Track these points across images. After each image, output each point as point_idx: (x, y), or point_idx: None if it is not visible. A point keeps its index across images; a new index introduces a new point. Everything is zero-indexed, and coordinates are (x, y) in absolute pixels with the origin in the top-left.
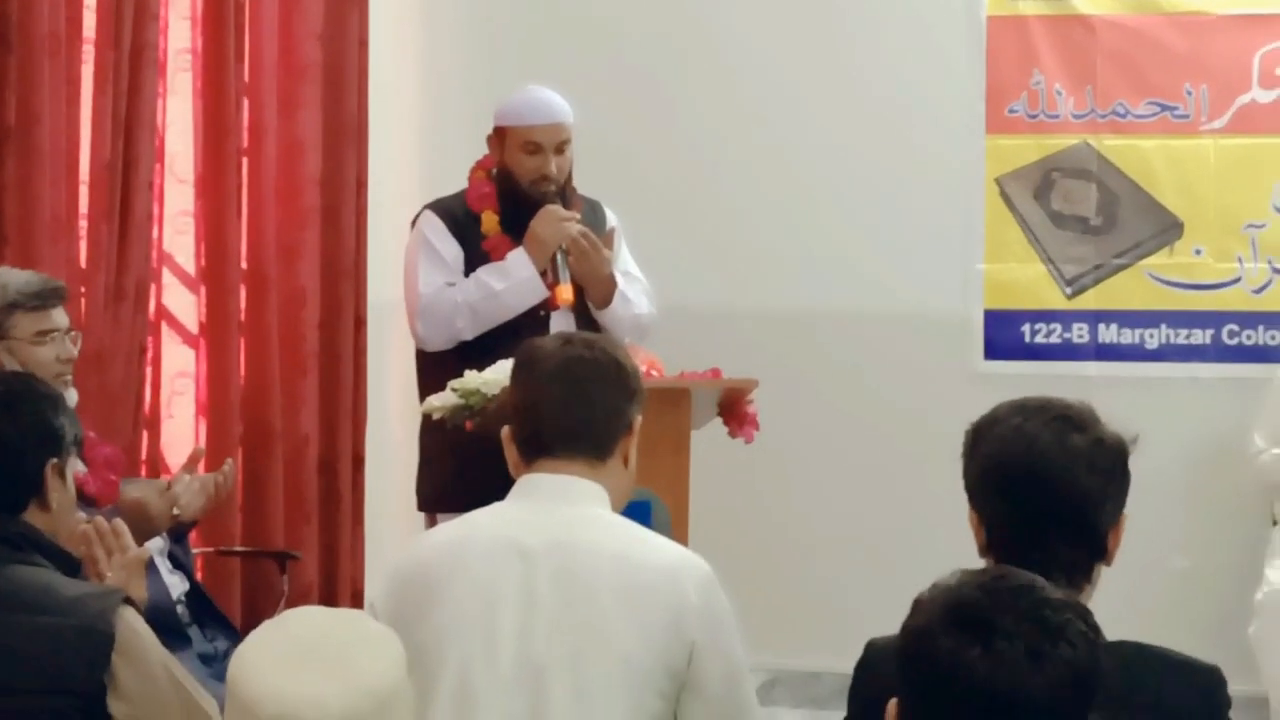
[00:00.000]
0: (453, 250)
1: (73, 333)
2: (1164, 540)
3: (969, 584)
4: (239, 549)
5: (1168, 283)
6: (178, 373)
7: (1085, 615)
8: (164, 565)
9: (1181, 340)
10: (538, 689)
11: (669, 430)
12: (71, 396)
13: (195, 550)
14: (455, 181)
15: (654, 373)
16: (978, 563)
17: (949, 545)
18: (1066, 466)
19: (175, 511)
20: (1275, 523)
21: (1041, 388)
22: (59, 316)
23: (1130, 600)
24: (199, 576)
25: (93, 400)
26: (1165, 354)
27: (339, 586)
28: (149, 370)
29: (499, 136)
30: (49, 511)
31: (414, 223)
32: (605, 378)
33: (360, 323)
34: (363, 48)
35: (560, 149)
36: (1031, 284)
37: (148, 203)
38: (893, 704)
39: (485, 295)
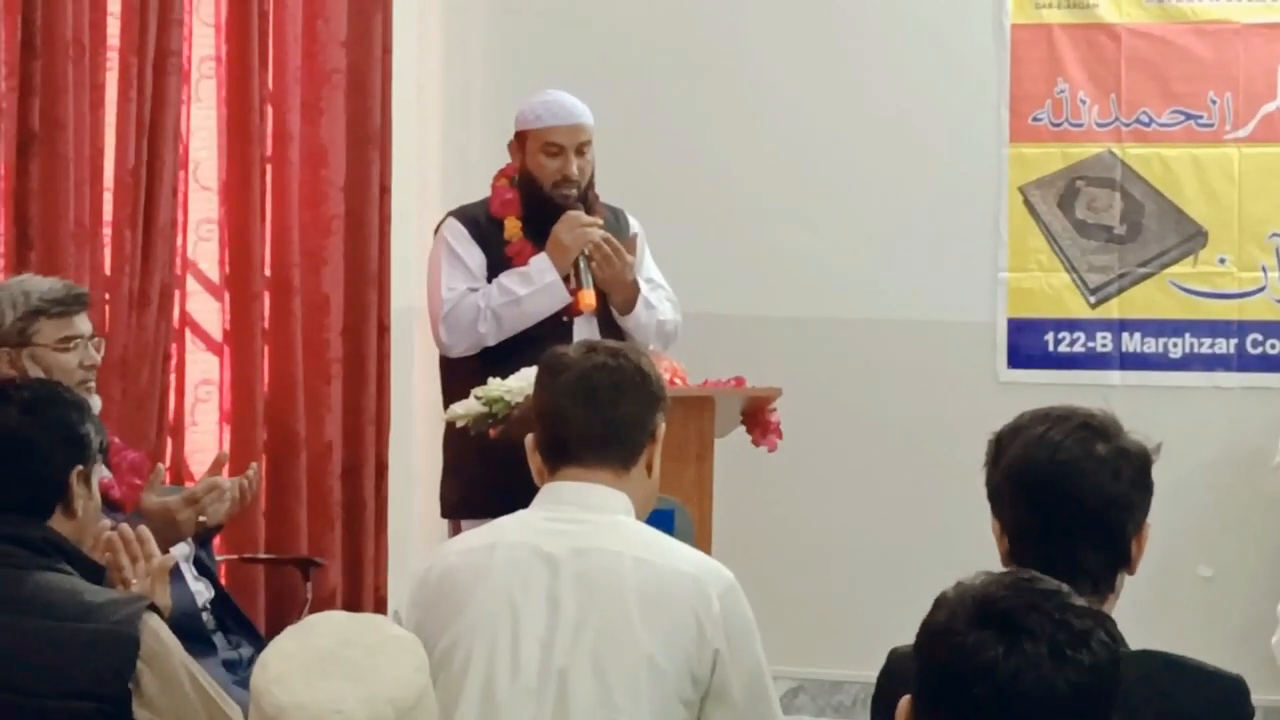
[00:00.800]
0: (476, 256)
1: (96, 339)
2: (1188, 549)
3: (996, 583)
4: (263, 555)
5: (1191, 292)
6: (201, 379)
7: (1108, 624)
8: (189, 572)
9: (1205, 349)
10: (561, 695)
11: (692, 438)
12: (95, 403)
13: (219, 557)
14: (478, 188)
15: (677, 381)
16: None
17: (972, 553)
18: (1090, 475)
19: (201, 518)
20: None
21: (1065, 396)
22: (82, 323)
23: (1154, 609)
24: (223, 583)
25: (116, 407)
26: (1189, 363)
27: (362, 593)
28: (173, 377)
29: (519, 141)
30: (74, 518)
31: (437, 230)
32: (629, 386)
33: (384, 329)
34: (386, 54)
35: (581, 150)
36: (1055, 293)
37: (172, 209)
38: (904, 701)
39: (508, 300)
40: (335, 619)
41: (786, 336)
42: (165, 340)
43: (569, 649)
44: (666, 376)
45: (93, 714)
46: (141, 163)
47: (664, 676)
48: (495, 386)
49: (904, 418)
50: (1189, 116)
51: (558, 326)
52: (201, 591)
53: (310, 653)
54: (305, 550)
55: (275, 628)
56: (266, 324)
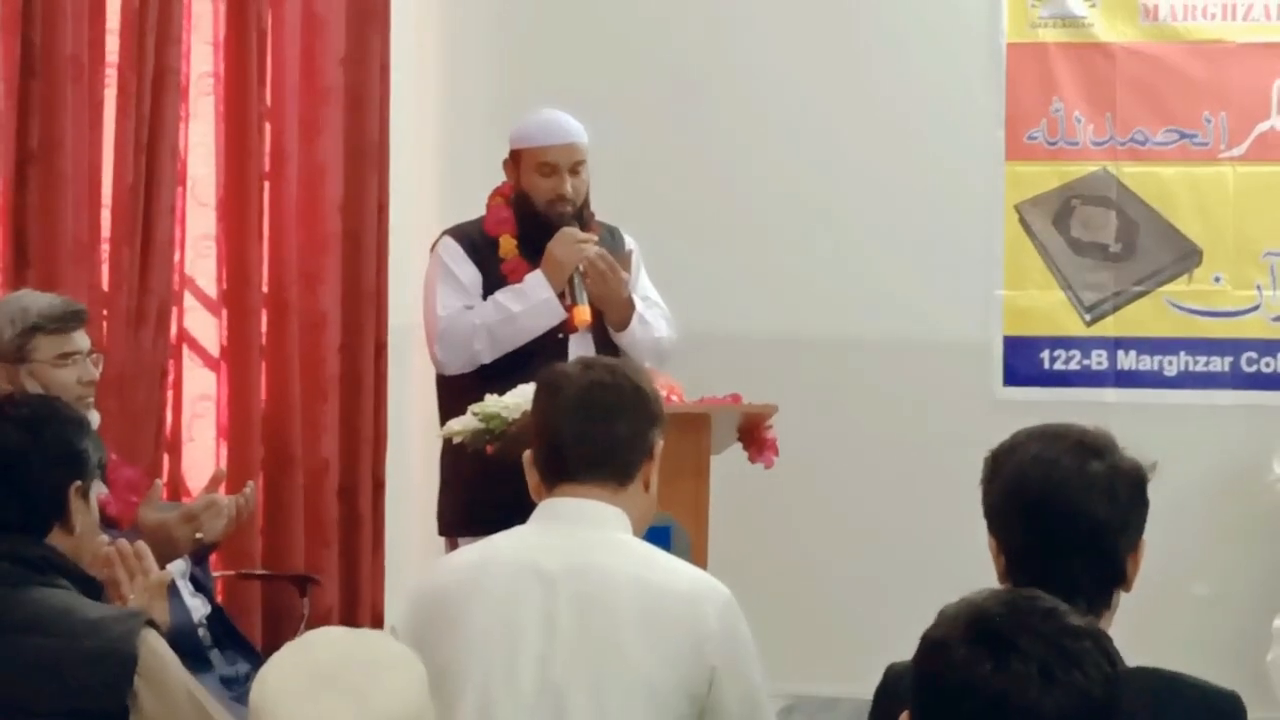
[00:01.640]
0: (471, 274)
1: (94, 355)
2: (1183, 567)
3: (994, 600)
4: (260, 572)
5: (1187, 310)
6: (199, 396)
7: (1105, 645)
8: (186, 588)
9: (1200, 367)
10: (558, 712)
11: (689, 455)
12: (94, 419)
13: (216, 573)
14: (477, 206)
15: (674, 398)
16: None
17: (968, 571)
18: (1085, 492)
19: (198, 535)
20: None
21: (1060, 414)
22: (80, 339)
23: (1150, 626)
24: (219, 599)
25: (114, 423)
26: (1184, 381)
27: (359, 610)
28: (170, 393)
29: (514, 160)
30: (72, 534)
31: (433, 248)
32: (627, 403)
33: (381, 347)
34: (384, 72)
35: (575, 169)
36: (1051, 310)
37: (169, 226)
38: (904, 716)
39: (503, 318)
40: (334, 635)
41: (783, 354)
42: (163, 356)
43: (565, 666)
44: (663, 393)
45: None
46: (140, 180)
47: (661, 694)
48: (493, 403)
49: (900, 435)
50: (1184, 135)
51: (553, 343)
52: (198, 608)
53: (309, 669)
54: (302, 567)
55: (272, 644)
56: (264, 341)
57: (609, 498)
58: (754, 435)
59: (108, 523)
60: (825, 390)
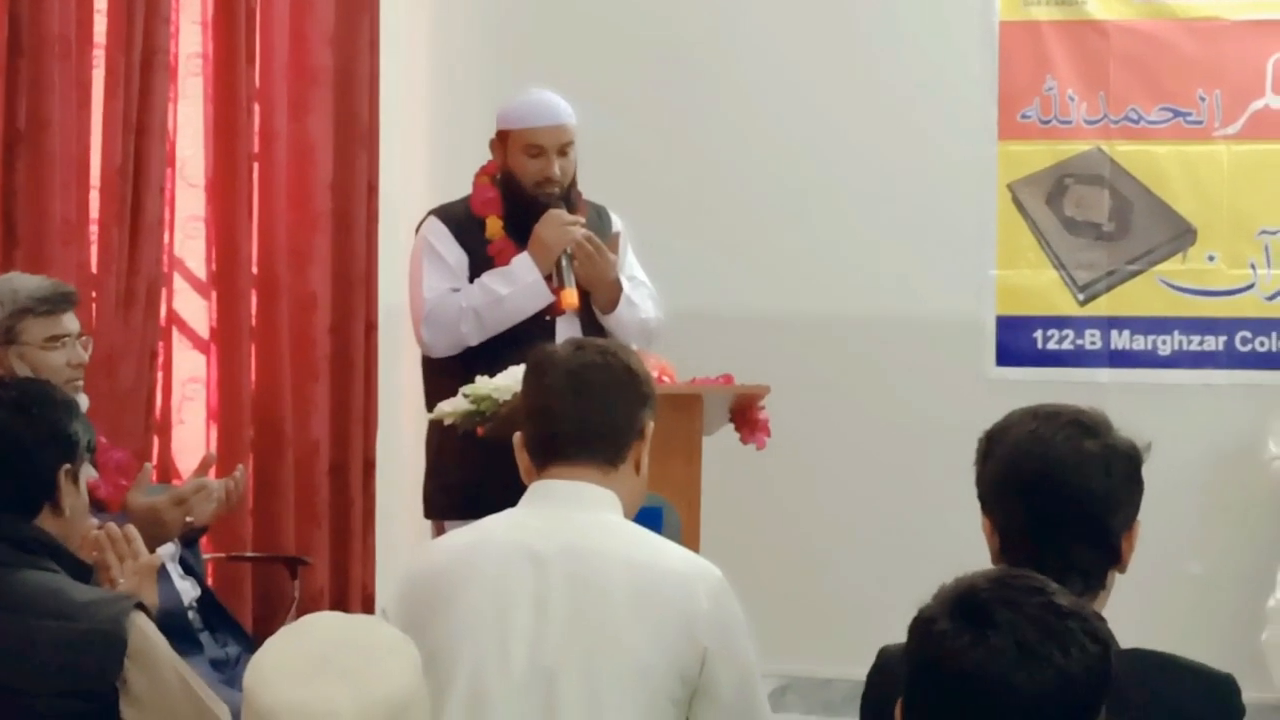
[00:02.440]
0: (457, 255)
1: (83, 337)
2: (1177, 547)
3: (984, 577)
4: (250, 554)
5: (1181, 289)
6: (188, 378)
7: (1094, 627)
8: (175, 571)
9: (1194, 347)
10: (550, 694)
11: (681, 436)
12: (83, 401)
13: (206, 556)
14: (467, 186)
15: (665, 378)
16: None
17: (961, 551)
18: (1080, 472)
19: (187, 518)
20: None
21: (1053, 394)
22: (70, 321)
23: (1144, 607)
24: (210, 582)
25: (103, 405)
26: (1178, 360)
27: (350, 591)
28: (160, 375)
29: (501, 140)
30: (62, 517)
31: (418, 228)
32: (618, 383)
33: (371, 327)
34: (374, 52)
35: (563, 151)
36: (1044, 290)
37: (158, 207)
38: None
39: (490, 300)
40: (328, 620)
41: (775, 334)
42: (152, 338)
43: (557, 648)
44: (655, 374)
45: (80, 712)
46: (128, 160)
47: (653, 676)
48: (483, 385)
49: (893, 415)
50: (1178, 113)
51: (540, 326)
52: (188, 590)
53: (303, 653)
54: (292, 549)
55: (262, 626)
56: (254, 322)
57: (600, 479)
58: (746, 416)
59: (97, 506)
60: (818, 371)
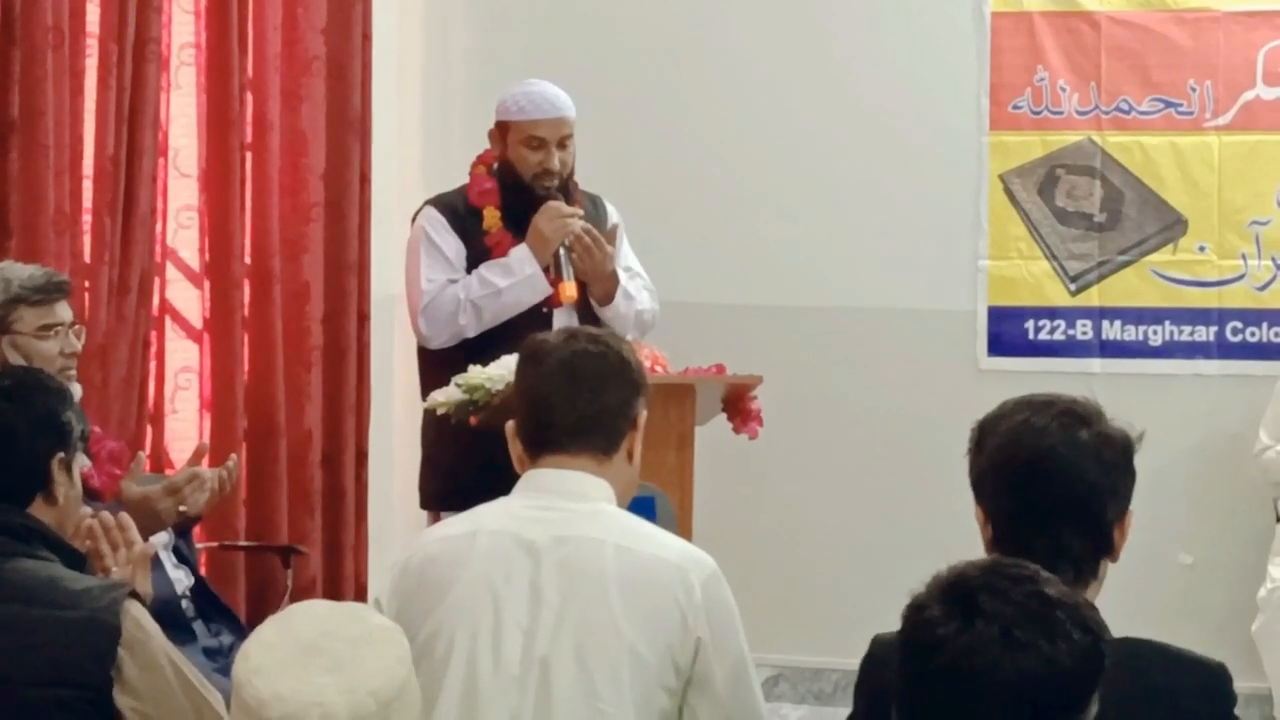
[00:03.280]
0: (454, 245)
1: (76, 327)
2: (1168, 537)
3: (976, 565)
4: (243, 544)
5: (1171, 279)
6: (181, 367)
7: (1084, 616)
8: (169, 560)
9: (1185, 337)
10: (544, 684)
11: (673, 426)
12: (76, 391)
13: (199, 545)
14: (459, 175)
15: (658, 368)
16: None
17: (954, 541)
18: (1073, 461)
19: (181, 507)
20: (1279, 519)
21: (1045, 384)
22: (63, 311)
23: (1135, 596)
24: (203, 571)
25: (96, 395)
26: (1169, 351)
27: (342, 581)
28: (153, 365)
29: (500, 131)
30: (55, 506)
31: (414, 218)
32: (611, 373)
33: (364, 317)
34: (366, 41)
35: (563, 143)
36: (1035, 280)
37: (151, 197)
38: None
39: (488, 292)
40: (317, 609)
41: (768, 325)
42: (145, 328)
43: (551, 638)
44: (648, 364)
45: (74, 701)
46: (121, 150)
47: (646, 665)
48: (476, 374)
49: (885, 406)
50: (1169, 104)
51: (538, 317)
52: (181, 579)
53: (291, 643)
54: (285, 538)
55: (255, 615)
56: (246, 312)
57: (593, 468)
58: (738, 406)
59: (91, 495)
60: (810, 361)
